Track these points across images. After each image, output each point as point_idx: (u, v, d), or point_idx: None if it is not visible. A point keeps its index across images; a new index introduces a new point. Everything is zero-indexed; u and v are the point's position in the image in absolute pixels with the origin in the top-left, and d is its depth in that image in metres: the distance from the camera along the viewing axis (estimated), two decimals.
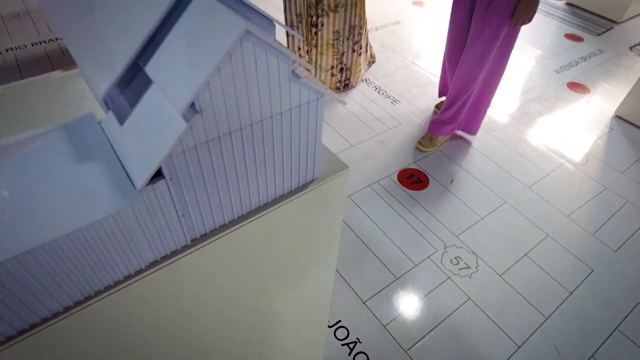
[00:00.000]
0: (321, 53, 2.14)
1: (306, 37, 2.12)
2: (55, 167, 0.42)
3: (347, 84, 2.36)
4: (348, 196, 1.81)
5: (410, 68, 2.66)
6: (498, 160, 2.04)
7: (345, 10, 2.01)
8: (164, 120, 0.40)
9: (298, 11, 2.06)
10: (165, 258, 0.49)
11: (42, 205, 0.38)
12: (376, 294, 1.48)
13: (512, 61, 2.80)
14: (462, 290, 1.50)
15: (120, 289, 0.47)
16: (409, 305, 1.45)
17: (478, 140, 2.14)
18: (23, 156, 0.43)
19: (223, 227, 0.53)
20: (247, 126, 0.45)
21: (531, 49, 2.95)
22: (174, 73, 0.40)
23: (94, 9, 0.49)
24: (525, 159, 2.05)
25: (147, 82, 0.44)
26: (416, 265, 1.57)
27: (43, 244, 0.36)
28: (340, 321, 1.40)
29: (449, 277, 1.54)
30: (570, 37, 3.13)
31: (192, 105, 0.39)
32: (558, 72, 2.72)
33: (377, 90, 2.44)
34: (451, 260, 1.59)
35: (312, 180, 0.60)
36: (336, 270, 1.52)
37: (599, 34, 3.17)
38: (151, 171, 0.39)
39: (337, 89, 2.36)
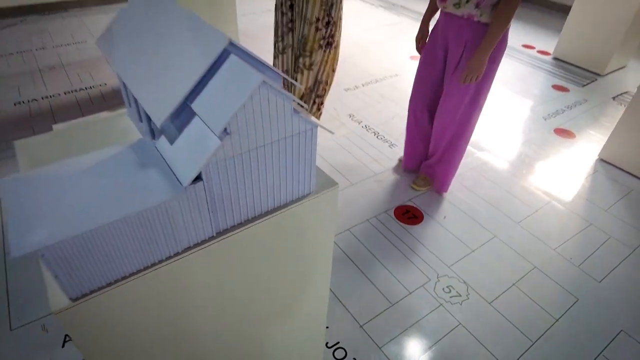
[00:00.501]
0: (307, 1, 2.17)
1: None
2: (127, 170, 0.60)
3: None
4: (348, 229, 1.96)
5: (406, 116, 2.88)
6: (488, 199, 2.19)
7: (318, 67, 2.20)
8: (203, 140, 0.58)
9: (285, 67, 2.29)
10: (196, 245, 0.65)
11: (120, 194, 0.56)
12: (373, 318, 1.59)
13: (503, 108, 3.03)
14: (454, 317, 1.60)
15: (163, 266, 0.63)
16: (403, 329, 1.55)
17: (470, 179, 2.31)
18: (104, 162, 0.60)
19: (240, 225, 0.69)
20: (261, 146, 0.63)
21: (521, 99, 3.19)
22: (213, 108, 0.58)
23: (153, 62, 0.69)
24: (514, 197, 2.21)
25: (191, 114, 0.62)
26: (411, 293, 1.69)
27: (121, 218, 0.53)
28: (338, 342, 1.50)
29: (441, 304, 1.65)
30: (558, 87, 3.38)
31: (225, 129, 0.57)
32: (546, 119, 2.93)
33: (376, 135, 2.65)
34: (443, 289, 1.70)
35: (309, 193, 0.76)
36: (335, 296, 1.64)
37: (584, 85, 3.42)
38: (195, 173, 0.57)
39: None
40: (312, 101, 2.38)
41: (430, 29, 1.90)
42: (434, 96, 1.96)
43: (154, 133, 0.78)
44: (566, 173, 2.41)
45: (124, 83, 0.87)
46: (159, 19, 0.76)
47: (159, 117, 0.61)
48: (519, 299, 1.68)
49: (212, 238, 0.67)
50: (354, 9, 5.01)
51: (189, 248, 0.65)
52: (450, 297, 1.67)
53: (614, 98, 3.24)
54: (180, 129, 0.63)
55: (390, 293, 1.68)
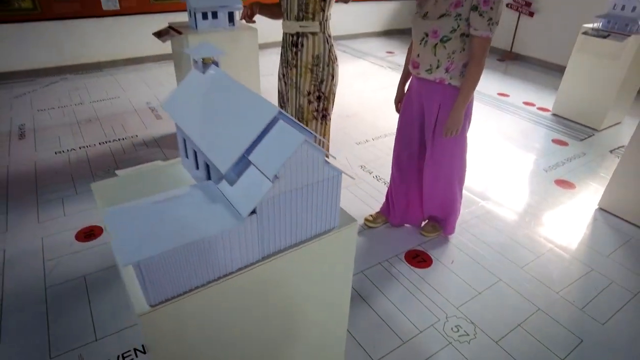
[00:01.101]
0: (300, 75, 2.23)
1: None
2: (199, 203, 0.78)
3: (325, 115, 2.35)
4: (362, 271, 2.09)
5: None
6: (493, 245, 2.32)
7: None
8: (258, 183, 0.77)
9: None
10: (247, 266, 0.82)
11: (197, 220, 0.74)
12: (386, 354, 1.68)
13: (507, 161, 3.22)
14: (462, 355, 1.69)
15: (221, 282, 0.79)
16: None
17: (476, 227, 2.45)
18: (182, 196, 0.79)
19: (280, 251, 0.86)
20: (300, 187, 0.81)
21: (523, 152, 3.39)
22: (266, 159, 0.77)
23: (216, 124, 0.89)
24: (518, 244, 2.33)
25: (247, 164, 0.81)
26: (421, 332, 1.79)
27: (200, 239, 0.71)
28: None
29: (450, 343, 1.74)
30: (557, 141, 3.58)
31: (275, 175, 0.76)
32: (547, 171, 3.10)
33: (386, 185, 2.84)
34: (452, 328, 1.80)
35: (334, 227, 0.94)
36: (350, 333, 1.75)
37: (582, 139, 3.62)
38: (252, 207, 0.75)
39: (315, 118, 2.32)
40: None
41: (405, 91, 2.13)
42: (417, 153, 2.13)
43: (209, 178, 0.97)
44: (567, 221, 2.55)
45: (183, 139, 1.09)
46: (218, 90, 0.98)
47: (224, 166, 0.80)
48: (525, 339, 1.76)
49: (258, 261, 0.84)
50: (364, 69, 5.40)
51: (241, 268, 0.82)
52: (459, 336, 1.77)
53: (611, 151, 3.42)
54: (238, 175, 0.82)
55: (402, 331, 1.78)
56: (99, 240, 2.24)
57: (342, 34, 6.68)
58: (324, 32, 2.14)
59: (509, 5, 5.90)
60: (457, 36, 1.72)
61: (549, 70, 5.65)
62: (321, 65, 2.17)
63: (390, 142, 3.45)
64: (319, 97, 2.23)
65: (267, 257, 0.85)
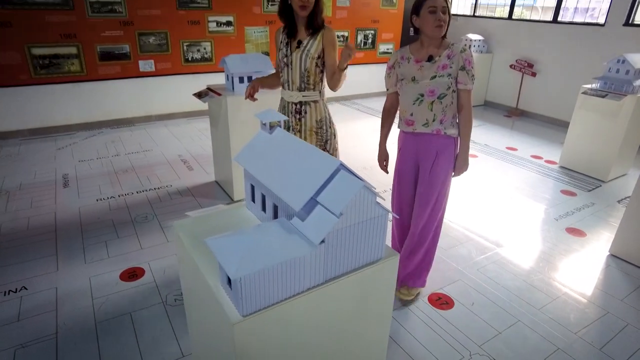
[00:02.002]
0: (305, 138, 2.37)
1: None
2: (279, 234, 0.99)
3: None
4: None
5: None
6: (510, 288, 2.45)
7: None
8: (326, 218, 0.98)
9: None
10: (313, 287, 1.01)
11: (280, 247, 0.94)
12: None
13: (518, 210, 3.40)
14: None
15: (299, 297, 0.98)
16: None
17: (493, 272, 2.60)
18: (264, 229, 1.00)
19: (339, 276, 1.05)
20: (357, 223, 1.02)
21: (532, 202, 3.57)
22: (332, 200, 0.99)
23: (287, 172, 1.12)
24: (534, 288, 2.46)
25: (314, 204, 1.03)
26: None
27: (286, 260, 0.91)
28: None
29: None
30: (566, 192, 3.77)
31: (340, 212, 0.97)
32: (557, 220, 3.27)
33: None
34: None
35: (380, 258, 1.13)
36: None
37: (589, 190, 3.81)
38: (322, 237, 0.95)
39: None
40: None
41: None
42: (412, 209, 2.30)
43: (275, 218, 1.19)
44: (581, 267, 2.68)
45: (251, 185, 1.32)
46: (284, 146, 1.22)
47: (298, 205, 1.02)
48: None
49: (322, 283, 1.03)
50: (378, 127, 5.74)
51: (309, 288, 1.01)
52: None
53: (619, 201, 3.59)
54: (307, 212, 1.03)
55: None
56: (142, 280, 2.43)
57: (357, 93, 7.12)
58: (322, 99, 2.35)
59: (513, 66, 6.34)
60: (451, 92, 2.01)
61: (553, 126, 5.95)
62: (324, 127, 2.35)
63: None
64: None
65: (328, 280, 1.04)
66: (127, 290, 2.35)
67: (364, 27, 6.77)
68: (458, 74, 1.99)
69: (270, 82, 2.51)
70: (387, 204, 3.40)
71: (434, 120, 2.06)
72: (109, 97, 5.14)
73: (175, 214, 3.15)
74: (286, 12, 2.18)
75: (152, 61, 5.23)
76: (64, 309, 2.19)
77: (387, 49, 7.19)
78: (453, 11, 7.47)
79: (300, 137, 2.35)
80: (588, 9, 5.81)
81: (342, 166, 1.05)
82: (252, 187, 1.32)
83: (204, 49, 5.50)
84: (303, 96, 2.28)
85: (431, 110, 2.05)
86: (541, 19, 6.26)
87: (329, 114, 2.40)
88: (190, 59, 5.45)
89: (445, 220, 3.20)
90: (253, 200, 1.34)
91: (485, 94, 7.00)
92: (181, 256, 1.31)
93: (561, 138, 5.08)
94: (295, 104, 2.32)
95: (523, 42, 6.27)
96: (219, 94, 3.09)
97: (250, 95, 2.42)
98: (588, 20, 5.76)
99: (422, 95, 2.05)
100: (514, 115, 6.46)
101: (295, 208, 1.02)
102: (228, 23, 5.55)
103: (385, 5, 6.84)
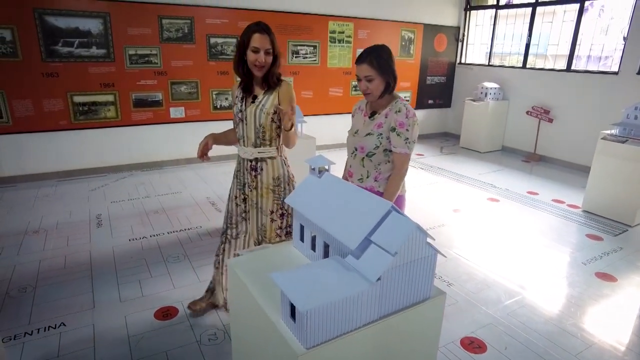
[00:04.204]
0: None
1: None
2: (338, 271, 1.06)
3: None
4: None
5: (458, 260, 3.30)
6: (543, 333, 2.42)
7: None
8: (380, 257, 1.06)
9: (236, 252, 2.34)
10: (369, 322, 1.07)
11: (341, 283, 1.01)
12: None
13: (543, 255, 3.40)
14: None
15: (356, 332, 1.04)
16: None
17: (523, 316, 2.58)
18: (322, 266, 1.08)
19: (391, 313, 1.11)
20: (409, 262, 1.09)
21: (558, 246, 3.57)
22: (386, 240, 1.07)
23: (340, 213, 1.21)
24: (568, 333, 2.43)
25: (368, 243, 1.11)
26: None
27: (345, 297, 0.98)
28: None
29: None
30: (592, 236, 3.76)
31: (395, 252, 1.05)
32: (585, 264, 3.25)
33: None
34: None
35: (428, 297, 1.19)
36: None
37: (616, 235, 3.79)
38: (379, 275, 1.03)
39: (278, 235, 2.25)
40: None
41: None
42: None
43: (326, 257, 1.27)
44: (614, 312, 2.64)
45: (301, 225, 1.41)
46: (334, 189, 1.32)
47: (353, 244, 1.10)
48: None
49: (377, 319, 1.09)
50: None
51: (366, 323, 1.07)
52: None
53: None
54: (362, 251, 1.11)
55: None
56: (176, 319, 2.48)
57: None
58: (280, 155, 2.20)
59: (529, 113, 6.49)
60: (381, 151, 1.97)
61: (573, 170, 5.98)
62: (282, 185, 2.20)
63: (431, 235, 3.69)
64: (282, 215, 2.21)
65: (382, 316, 1.10)
66: (162, 329, 2.39)
67: None
68: (390, 134, 1.94)
69: (226, 137, 2.33)
70: (437, 244, 3.42)
71: (367, 177, 2.07)
72: (141, 141, 5.40)
73: (206, 255, 3.23)
74: (242, 67, 2.06)
75: (183, 108, 5.52)
76: (102, 346, 2.24)
77: (405, 97, 7.45)
78: (469, 60, 7.78)
79: (256, 195, 2.20)
80: (601, 57, 6.02)
81: (392, 207, 1.14)
82: (302, 227, 1.41)
83: None
84: (259, 152, 2.14)
85: (363, 166, 2.05)
86: (554, 67, 6.47)
87: (288, 171, 2.24)
88: (218, 106, 5.74)
89: (470, 263, 3.22)
90: (302, 239, 1.43)
91: (502, 139, 7.12)
92: (236, 293, 1.38)
93: (582, 182, 5.11)
94: (251, 161, 2.16)
95: (538, 89, 6.46)
96: None
97: (203, 154, 2.22)
98: (602, 68, 5.94)
99: (356, 150, 2.06)
100: (533, 160, 6.52)
101: (350, 247, 1.11)
102: None
103: (403, 56, 7.17)
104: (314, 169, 1.43)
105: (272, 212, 2.20)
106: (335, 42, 6.38)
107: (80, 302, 2.61)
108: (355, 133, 2.09)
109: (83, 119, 4.97)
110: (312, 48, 6.22)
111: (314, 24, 6.14)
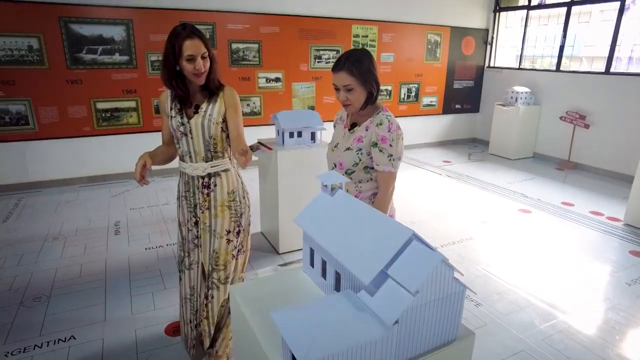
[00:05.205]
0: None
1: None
2: (348, 311, 0.92)
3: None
4: None
5: (487, 277, 3.08)
6: None
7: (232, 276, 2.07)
8: (399, 296, 0.90)
9: (192, 284, 2.08)
10: None
11: (352, 327, 0.87)
12: None
13: (582, 272, 3.13)
14: None
15: None
16: None
17: (560, 343, 2.35)
18: (330, 304, 0.93)
19: (411, 359, 0.96)
20: (432, 301, 0.93)
21: (597, 264, 3.29)
22: (406, 275, 0.92)
23: (354, 240, 1.06)
24: None
25: (384, 277, 0.96)
26: None
27: (354, 345, 0.83)
28: None
29: None
30: (636, 253, 3.45)
31: (417, 290, 0.89)
32: (630, 285, 2.97)
33: None
34: None
35: (455, 339, 1.02)
36: None
37: None
38: (396, 318, 0.87)
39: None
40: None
41: None
42: None
43: (338, 287, 1.13)
44: None
45: (311, 249, 1.27)
46: (347, 210, 1.17)
47: (367, 278, 0.95)
48: None
49: None
50: (424, 177, 5.65)
51: None
52: None
53: None
54: (377, 286, 0.96)
55: None
56: None
57: None
58: (234, 166, 2.01)
59: (563, 118, 6.15)
60: (361, 169, 1.75)
61: (612, 179, 5.61)
62: (237, 199, 1.99)
63: (460, 250, 3.48)
64: (238, 233, 2.02)
65: None
66: (172, 345, 2.30)
67: (407, 81, 6.87)
68: (371, 150, 1.71)
69: (166, 153, 2.04)
70: (463, 258, 3.24)
71: None
72: None
73: (283, 276, 3.13)
74: (176, 79, 1.80)
75: None
76: None
77: (431, 102, 7.22)
78: (498, 64, 7.48)
79: (209, 216, 1.95)
80: None
81: (414, 235, 0.98)
82: (312, 251, 1.27)
83: (253, 103, 5.74)
84: (212, 167, 1.91)
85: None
86: (591, 69, 6.11)
87: (242, 182, 2.05)
88: None
89: (500, 281, 3.00)
90: (312, 264, 1.28)
91: (534, 146, 6.79)
92: (238, 324, 1.26)
93: (623, 193, 4.76)
94: (203, 177, 1.92)
95: (573, 94, 6.11)
96: (270, 148, 3.15)
97: (142, 178, 1.89)
98: None
99: (335, 166, 1.83)
100: (567, 167, 6.17)
101: (363, 281, 0.96)
102: (277, 79, 5.80)
103: (429, 60, 6.95)
104: (326, 186, 1.29)
105: (228, 231, 1.97)
106: (358, 46, 6.23)
107: (92, 314, 2.55)
108: (335, 147, 1.86)
109: (106, 125, 5.00)
110: (334, 53, 6.10)
111: (337, 28, 6.02)
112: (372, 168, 1.76)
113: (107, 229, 3.79)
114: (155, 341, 2.33)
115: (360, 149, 1.74)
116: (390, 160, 1.70)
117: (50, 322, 2.48)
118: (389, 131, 1.69)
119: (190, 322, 2.10)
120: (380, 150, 1.70)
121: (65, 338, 2.34)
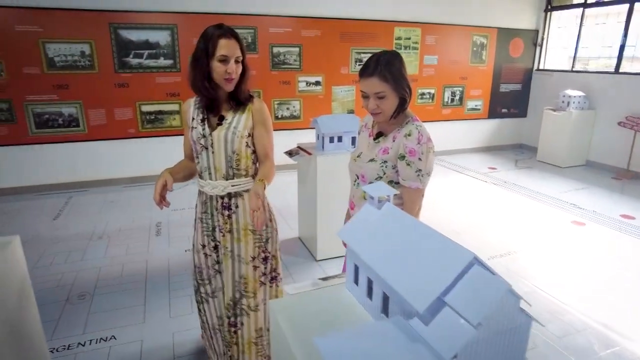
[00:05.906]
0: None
1: None
2: (400, 342, 0.83)
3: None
4: None
5: (537, 293, 2.87)
6: None
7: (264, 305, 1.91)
8: (459, 327, 0.80)
9: (218, 313, 1.93)
10: None
11: None
12: None
13: (629, 287, 2.86)
14: None
15: None
16: None
17: None
18: (380, 333, 0.85)
19: None
20: (496, 334, 0.82)
21: None
22: (466, 304, 0.81)
23: (408, 261, 0.97)
24: None
25: (441, 305, 0.86)
26: None
27: None
28: None
29: None
30: None
31: (479, 322, 0.79)
32: None
33: None
34: None
35: None
36: None
37: None
38: (455, 352, 0.77)
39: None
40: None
41: None
42: None
43: (386, 311, 1.03)
44: None
45: (355, 266, 1.18)
46: (397, 225, 1.08)
47: (421, 305, 0.86)
48: None
49: None
50: (467, 184, 5.43)
51: None
52: None
53: None
54: (432, 314, 0.86)
55: None
56: None
57: (442, 150, 6.88)
58: None
59: (622, 124, 5.72)
60: (385, 183, 1.54)
61: None
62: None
63: (506, 262, 3.28)
64: (265, 259, 1.84)
65: None
66: (207, 353, 2.28)
67: (451, 84, 6.64)
68: (397, 163, 1.55)
69: (183, 171, 1.83)
70: (510, 273, 3.03)
71: None
72: None
73: (325, 291, 3.10)
74: (207, 82, 1.65)
75: None
76: None
77: (476, 105, 6.94)
78: (548, 66, 7.10)
79: (231, 239, 1.78)
80: None
81: (475, 259, 0.88)
82: (356, 268, 1.19)
83: (293, 107, 5.73)
84: (232, 185, 1.72)
85: (365, 198, 1.65)
86: None
87: (268, 203, 1.83)
88: (280, 116, 5.70)
89: (553, 299, 2.79)
90: (356, 281, 1.20)
91: (587, 153, 6.37)
92: (276, 341, 1.19)
93: None
94: (222, 197, 1.74)
95: (635, 97, 5.68)
96: (310, 153, 3.09)
97: (162, 199, 1.66)
98: None
99: (358, 178, 1.69)
100: (625, 177, 5.73)
101: (417, 309, 0.86)
102: (317, 83, 5.76)
103: (475, 62, 6.69)
104: (372, 198, 1.20)
105: (253, 258, 1.80)
106: (401, 49, 6.09)
107: (132, 315, 2.59)
108: (358, 157, 1.71)
109: (150, 127, 5.14)
110: None
111: (379, 30, 5.91)
112: (398, 183, 1.60)
113: (149, 230, 3.87)
114: (191, 346, 2.32)
115: (386, 162, 1.58)
116: (418, 175, 1.54)
117: (93, 320, 2.53)
118: (419, 143, 1.53)
119: (224, 354, 1.96)
120: (408, 164, 1.53)
121: (107, 337, 2.38)
